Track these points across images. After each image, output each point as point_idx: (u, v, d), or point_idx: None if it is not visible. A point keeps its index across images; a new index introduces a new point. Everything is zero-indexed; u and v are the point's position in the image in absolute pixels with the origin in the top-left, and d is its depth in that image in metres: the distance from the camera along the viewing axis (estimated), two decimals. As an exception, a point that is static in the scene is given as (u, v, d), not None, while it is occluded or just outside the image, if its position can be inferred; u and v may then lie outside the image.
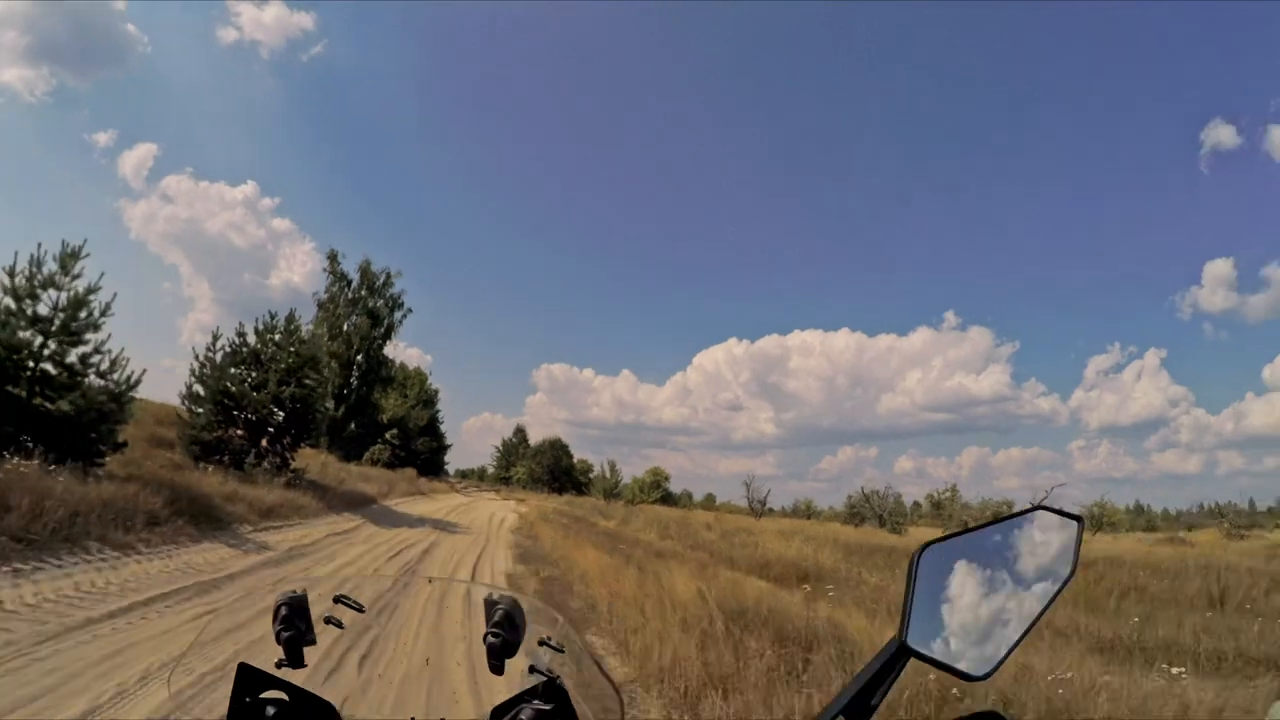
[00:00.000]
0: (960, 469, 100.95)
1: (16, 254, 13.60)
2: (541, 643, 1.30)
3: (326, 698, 1.23)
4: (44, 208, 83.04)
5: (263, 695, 1.20)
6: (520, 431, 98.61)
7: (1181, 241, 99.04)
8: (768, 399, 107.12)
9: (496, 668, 1.25)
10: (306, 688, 1.22)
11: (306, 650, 1.27)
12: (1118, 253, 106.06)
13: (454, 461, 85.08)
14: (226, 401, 21.74)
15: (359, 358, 58.44)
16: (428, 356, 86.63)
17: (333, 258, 60.39)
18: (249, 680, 1.19)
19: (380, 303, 59.91)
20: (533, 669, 1.24)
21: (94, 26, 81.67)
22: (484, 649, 1.25)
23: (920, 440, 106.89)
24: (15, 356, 13.24)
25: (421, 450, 67.62)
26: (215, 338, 22.69)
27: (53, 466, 11.48)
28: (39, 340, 13.74)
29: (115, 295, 14.65)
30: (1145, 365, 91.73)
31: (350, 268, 60.10)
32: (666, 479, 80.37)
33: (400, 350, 69.71)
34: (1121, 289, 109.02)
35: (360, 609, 1.38)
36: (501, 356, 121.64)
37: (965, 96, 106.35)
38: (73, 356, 13.98)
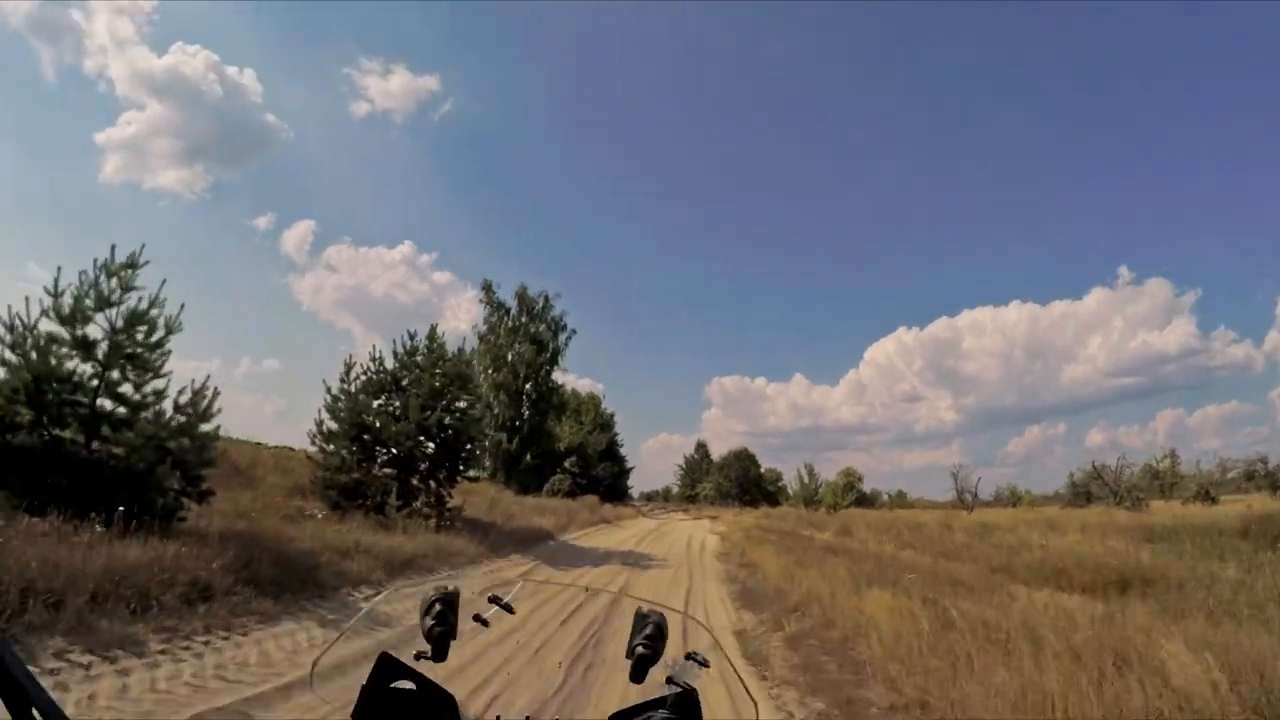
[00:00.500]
0: (1155, 434, 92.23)
1: (60, 269, 10.44)
2: (688, 656, 1.35)
3: (453, 690, 1.26)
4: (219, 293, 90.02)
5: (393, 685, 1.24)
6: (702, 447, 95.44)
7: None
8: (945, 385, 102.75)
9: (638, 677, 1.27)
10: (437, 680, 1.26)
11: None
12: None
13: (636, 485, 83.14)
14: (365, 437, 18.53)
15: (527, 387, 56.24)
16: (599, 385, 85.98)
17: (487, 288, 58.79)
18: (387, 669, 1.23)
19: (542, 328, 57.57)
20: (670, 680, 1.28)
21: (236, 121, 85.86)
22: (620, 657, 1.32)
23: (1109, 410, 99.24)
24: (53, 388, 10.06)
25: (603, 476, 64.75)
26: (349, 366, 19.62)
27: (71, 524, 7.95)
28: (90, 369, 10.55)
29: (183, 307, 11.31)
30: (1344, 292, 73.67)
31: (507, 296, 58.35)
32: (859, 479, 73.22)
33: (571, 380, 67.55)
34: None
35: (511, 610, 1.47)
36: (671, 377, 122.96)
37: (1107, 44, 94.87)
38: (128, 386, 10.67)
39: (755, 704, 1.37)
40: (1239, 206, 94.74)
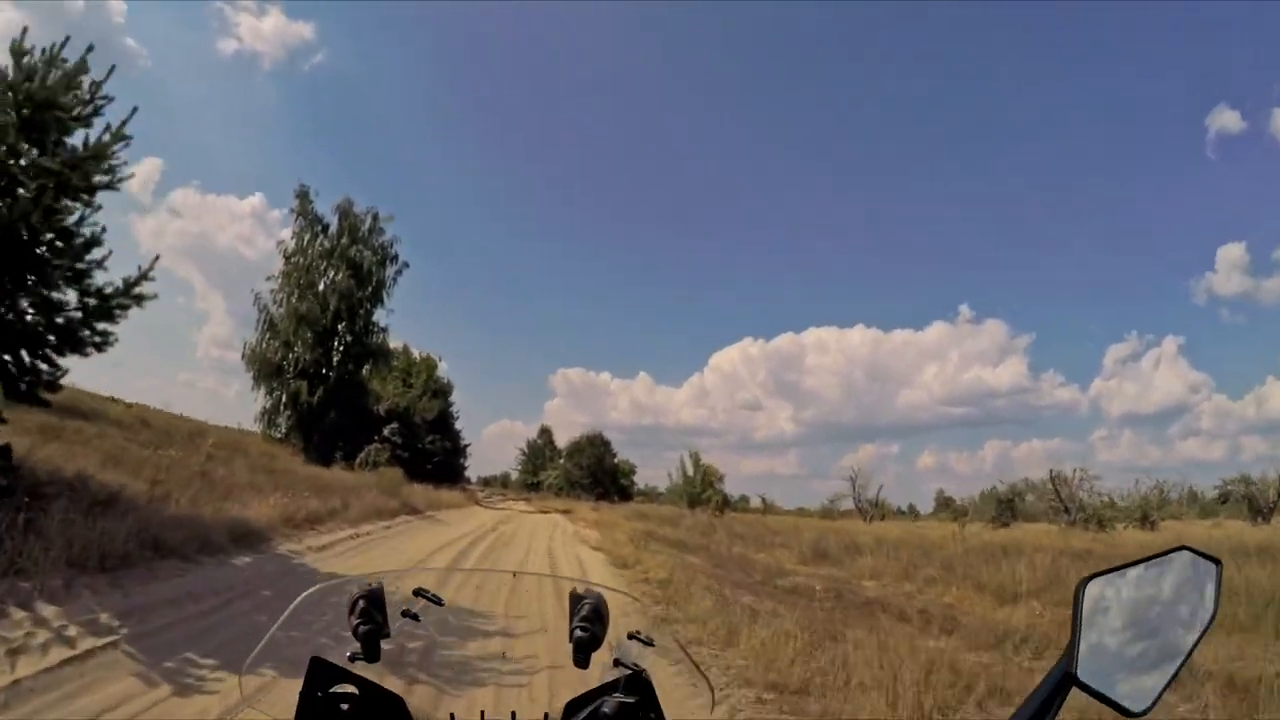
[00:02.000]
0: (983, 463, 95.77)
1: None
2: (631, 636, 1.30)
3: (396, 691, 1.20)
4: None
5: (333, 690, 1.17)
6: (546, 432, 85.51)
7: (1193, 227, 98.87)
8: (786, 397, 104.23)
9: (581, 661, 1.23)
10: (378, 680, 1.20)
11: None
12: (1130, 242, 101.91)
13: (474, 468, 71.84)
14: None
15: (339, 326, 42.86)
16: (440, 361, 77.20)
17: (303, 196, 44.36)
18: (321, 674, 1.17)
19: (367, 253, 44.20)
20: (617, 662, 1.23)
21: (94, 40, 72.43)
22: (564, 642, 1.25)
23: (940, 434, 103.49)
24: None
25: (432, 451, 52.14)
26: None
27: None
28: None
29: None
30: (1164, 352, 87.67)
31: (327, 210, 44.74)
32: (720, 479, 62.84)
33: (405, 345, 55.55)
34: (1136, 277, 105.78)
35: (440, 603, 1.37)
36: (517, 363, 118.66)
37: (967, 89, 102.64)
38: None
39: (712, 688, 1.29)
40: (1078, 264, 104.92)
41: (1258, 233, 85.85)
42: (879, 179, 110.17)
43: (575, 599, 1.27)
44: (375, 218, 45.06)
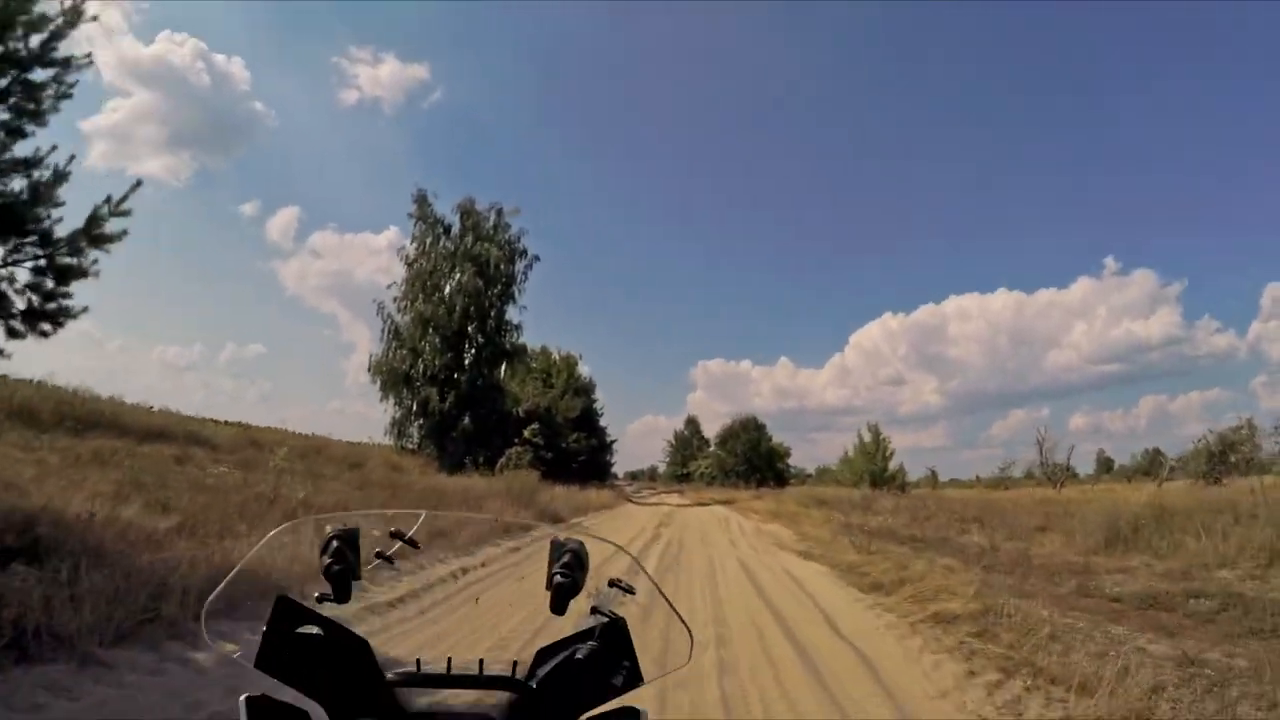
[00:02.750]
0: (1138, 420, 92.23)
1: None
2: (612, 583, 1.27)
3: (363, 633, 1.15)
4: (207, 281, 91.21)
5: (299, 630, 1.13)
6: (693, 423, 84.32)
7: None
8: (929, 369, 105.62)
9: (559, 608, 1.19)
10: (344, 623, 1.15)
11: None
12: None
13: (620, 464, 69.61)
14: None
15: (469, 328, 40.36)
16: (580, 360, 78.76)
17: (421, 200, 42.33)
18: (286, 614, 1.13)
19: (493, 250, 41.43)
20: (595, 610, 1.20)
21: (223, 109, 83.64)
22: (542, 591, 1.22)
23: (1092, 395, 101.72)
24: None
25: (577, 449, 49.39)
26: None
27: None
28: None
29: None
30: (1328, 282, 76.84)
31: (447, 210, 42.53)
32: (890, 454, 55.72)
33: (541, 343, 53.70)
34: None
35: (416, 545, 1.33)
36: (656, 359, 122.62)
37: (1100, 30, 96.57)
38: None
39: (691, 637, 1.22)
40: (1229, 200, 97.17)
41: None
42: (1009, 133, 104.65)
43: (556, 546, 1.22)
44: (499, 213, 42.49)
